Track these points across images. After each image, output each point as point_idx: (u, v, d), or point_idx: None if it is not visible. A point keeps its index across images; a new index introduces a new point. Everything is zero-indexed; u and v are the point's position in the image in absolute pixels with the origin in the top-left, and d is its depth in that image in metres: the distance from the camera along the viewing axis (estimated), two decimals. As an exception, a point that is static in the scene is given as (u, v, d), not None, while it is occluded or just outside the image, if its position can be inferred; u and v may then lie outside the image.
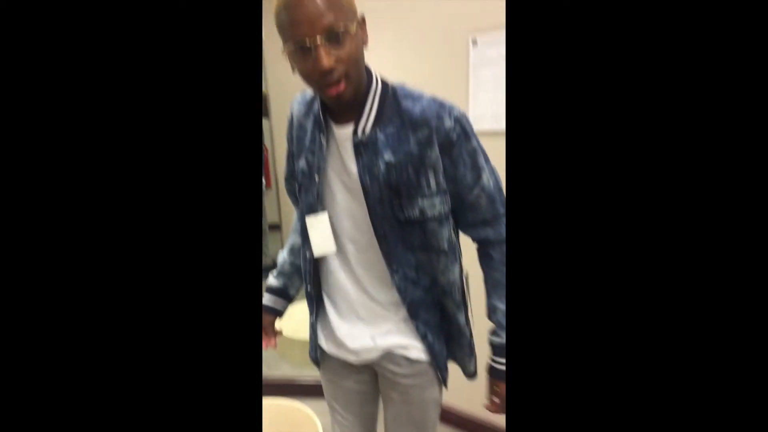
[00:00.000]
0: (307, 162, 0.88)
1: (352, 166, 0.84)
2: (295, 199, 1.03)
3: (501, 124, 1.52)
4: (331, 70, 0.72)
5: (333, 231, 0.88)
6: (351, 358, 0.96)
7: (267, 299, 1.09)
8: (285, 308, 1.10)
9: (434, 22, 1.63)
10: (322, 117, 0.85)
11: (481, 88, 1.54)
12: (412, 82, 0.91)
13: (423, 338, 0.91)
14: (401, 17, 1.70)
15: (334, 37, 0.71)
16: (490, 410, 0.91)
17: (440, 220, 0.85)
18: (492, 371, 0.90)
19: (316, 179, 0.87)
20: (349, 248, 0.90)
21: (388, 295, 0.90)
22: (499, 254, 0.88)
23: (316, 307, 0.99)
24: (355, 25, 0.74)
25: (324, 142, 0.85)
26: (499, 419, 1.84)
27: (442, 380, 0.96)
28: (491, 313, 0.90)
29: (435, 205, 0.84)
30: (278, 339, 1.15)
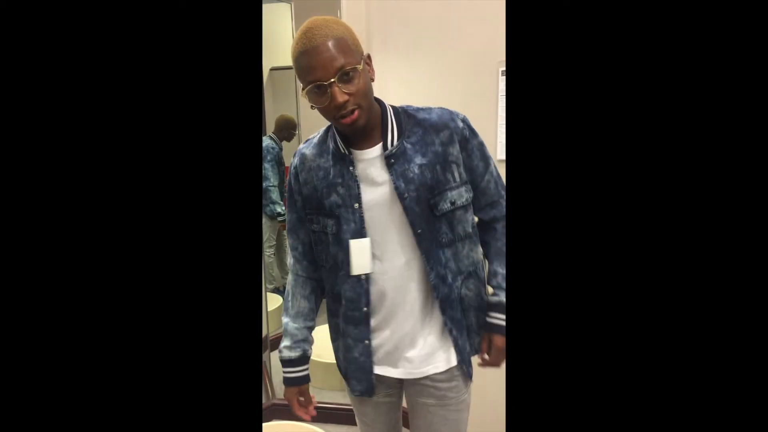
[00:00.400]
0: (340, 195, 0.97)
1: (384, 180, 0.95)
2: (303, 254, 1.08)
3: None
4: (345, 103, 0.86)
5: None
6: (386, 373, 1.04)
7: (292, 373, 1.09)
8: (308, 373, 1.11)
9: (464, 52, 1.67)
10: (344, 147, 0.96)
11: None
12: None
13: (450, 333, 1.01)
14: (431, 46, 1.74)
15: (345, 77, 0.85)
16: (484, 364, 1.05)
17: (466, 207, 1.00)
18: (488, 326, 1.04)
19: (356, 207, 0.96)
20: (379, 267, 0.99)
21: (412, 299, 1.00)
22: (501, 228, 1.05)
23: (370, 326, 1.02)
24: (362, 63, 0.88)
25: (352, 169, 0.95)
26: None
27: (469, 375, 1.04)
28: (492, 277, 1.06)
29: (462, 194, 0.98)
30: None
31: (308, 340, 1.10)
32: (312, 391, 2.17)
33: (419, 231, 0.95)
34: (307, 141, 1.05)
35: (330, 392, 2.17)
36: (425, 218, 0.95)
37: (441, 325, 1.01)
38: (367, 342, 1.02)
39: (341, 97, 0.84)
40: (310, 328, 1.10)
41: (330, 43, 0.83)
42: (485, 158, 1.01)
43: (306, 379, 1.10)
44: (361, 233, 0.96)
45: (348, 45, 0.85)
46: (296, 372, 1.08)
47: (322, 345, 2.24)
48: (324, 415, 2.08)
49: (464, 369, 1.02)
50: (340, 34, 0.84)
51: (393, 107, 0.99)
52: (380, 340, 1.02)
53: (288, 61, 0.90)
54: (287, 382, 1.09)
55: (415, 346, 1.00)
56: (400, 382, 1.08)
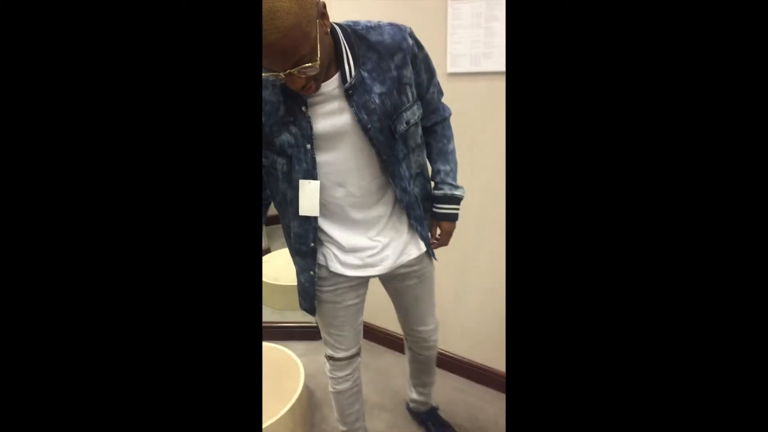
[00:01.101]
0: (292, 134, 0.94)
1: (344, 110, 0.93)
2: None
3: (479, 66, 1.47)
4: (302, 87, 0.83)
5: (325, 190, 1.01)
6: (371, 273, 1.12)
7: None
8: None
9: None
10: None
11: (458, 25, 1.47)
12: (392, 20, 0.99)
13: (415, 229, 1.13)
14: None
15: (301, 65, 0.79)
16: (436, 246, 1.22)
17: (417, 123, 1.03)
18: (437, 216, 1.18)
19: (308, 147, 0.94)
20: (343, 192, 1.02)
21: (380, 209, 1.07)
22: (441, 129, 1.14)
23: (316, 259, 1.09)
24: (316, 34, 0.79)
25: (305, 109, 0.91)
26: (497, 365, 1.85)
27: (432, 255, 1.21)
28: (435, 174, 1.16)
29: (415, 113, 1.01)
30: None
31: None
32: (272, 313, 2.29)
33: (384, 157, 0.98)
34: None
35: (291, 312, 2.25)
36: (387, 143, 0.97)
37: (407, 226, 1.12)
38: (312, 273, 1.10)
39: (298, 83, 0.82)
40: None
41: (282, 41, 0.74)
42: (430, 70, 1.03)
43: None
44: (311, 174, 0.96)
45: (301, 33, 0.75)
46: None
47: (280, 269, 2.38)
48: (286, 333, 2.16)
49: (429, 252, 1.18)
50: (290, 22, 0.73)
51: (343, 31, 0.92)
52: (356, 249, 1.09)
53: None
54: None
55: (391, 247, 1.10)
56: (365, 286, 1.19)
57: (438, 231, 1.21)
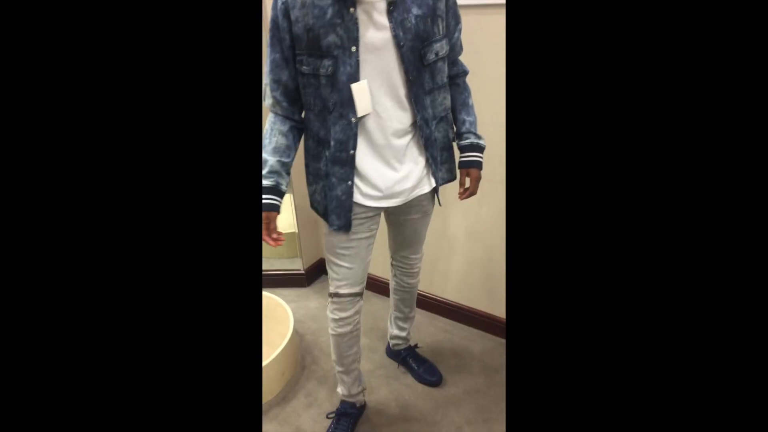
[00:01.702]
0: (339, 36, 0.97)
1: (384, 26, 0.98)
2: (284, 95, 1.08)
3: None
4: None
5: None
6: (388, 204, 1.16)
7: (264, 198, 1.12)
8: (281, 204, 1.13)
9: None
10: None
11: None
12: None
13: (430, 167, 1.18)
14: None
15: None
16: (465, 194, 1.26)
17: (444, 59, 1.10)
18: (465, 164, 1.23)
19: (353, 49, 0.98)
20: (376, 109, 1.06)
21: (401, 140, 1.11)
22: (463, 83, 1.21)
23: (354, 167, 1.10)
24: None
25: (353, 11, 0.96)
26: (482, 307, 1.89)
27: (437, 194, 1.26)
28: (461, 124, 1.22)
29: (443, 47, 1.08)
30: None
31: (281, 174, 1.11)
32: (263, 261, 2.30)
33: (410, 78, 1.03)
34: None
35: (278, 260, 2.26)
36: (416, 66, 1.03)
37: (424, 160, 1.17)
38: (350, 183, 1.10)
39: None
40: (285, 164, 1.11)
41: None
42: (457, 16, 1.10)
43: (272, 207, 1.10)
44: (355, 77, 1.00)
45: None
46: (265, 199, 1.10)
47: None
48: (274, 281, 2.18)
49: (435, 191, 1.24)
50: None
51: None
52: (371, 179, 1.11)
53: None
54: (263, 206, 1.11)
55: (409, 179, 1.15)
56: (377, 221, 1.22)
57: (467, 180, 1.25)
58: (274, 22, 1.00)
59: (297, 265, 2.18)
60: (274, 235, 1.12)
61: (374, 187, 1.13)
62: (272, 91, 1.08)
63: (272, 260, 2.25)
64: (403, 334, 1.66)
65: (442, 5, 1.03)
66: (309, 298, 2.12)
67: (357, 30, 0.97)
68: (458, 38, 1.14)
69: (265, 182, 1.10)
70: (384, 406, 1.57)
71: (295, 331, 1.81)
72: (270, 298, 1.87)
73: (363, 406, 1.53)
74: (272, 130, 1.11)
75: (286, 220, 2.28)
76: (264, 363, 1.55)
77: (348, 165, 1.09)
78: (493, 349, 1.78)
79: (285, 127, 1.10)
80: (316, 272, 2.25)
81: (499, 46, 1.44)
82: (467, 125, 1.22)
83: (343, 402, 1.48)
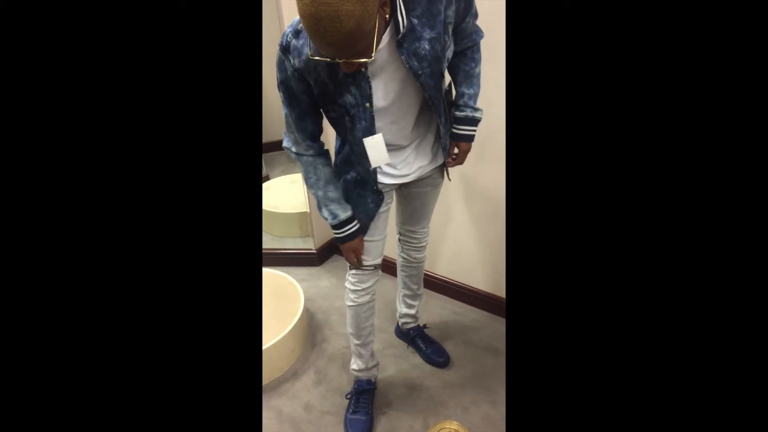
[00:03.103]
0: (352, 95, 0.98)
1: (395, 60, 0.96)
2: (313, 139, 1.12)
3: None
4: (353, 71, 0.90)
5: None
6: (404, 180, 1.22)
7: (345, 231, 1.19)
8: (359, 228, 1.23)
9: None
10: None
11: None
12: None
13: (440, 144, 1.22)
14: None
15: (358, 58, 0.82)
16: (450, 165, 1.27)
17: (450, 55, 1.06)
18: (455, 136, 1.22)
19: (367, 105, 0.99)
20: (396, 127, 1.10)
21: (419, 130, 1.16)
22: (471, 52, 1.15)
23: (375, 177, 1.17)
24: (375, 27, 0.80)
25: (364, 70, 0.94)
26: (492, 289, 1.90)
27: (445, 167, 1.30)
28: (459, 97, 1.19)
29: (451, 47, 1.05)
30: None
31: (342, 203, 1.18)
32: (272, 240, 2.33)
33: (435, 101, 1.04)
34: (294, 31, 0.95)
35: (290, 239, 2.28)
36: (436, 86, 1.02)
37: (438, 144, 1.22)
38: (371, 204, 1.20)
39: (351, 68, 0.86)
40: (339, 189, 1.18)
41: (342, 42, 0.75)
42: (469, 1, 1.02)
43: (356, 234, 1.21)
44: (370, 131, 1.03)
45: (361, 33, 0.76)
46: (349, 229, 1.19)
47: (279, 197, 2.39)
48: (285, 259, 2.20)
49: (444, 165, 1.28)
50: (353, 25, 0.74)
51: None
52: (400, 167, 1.19)
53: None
54: (341, 240, 1.21)
55: (426, 160, 1.22)
56: (392, 196, 1.28)
57: (455, 150, 1.26)
58: (285, 84, 1.00)
59: (309, 245, 2.20)
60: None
61: (392, 166, 1.18)
62: (302, 140, 1.10)
63: (284, 239, 2.27)
64: (412, 311, 1.67)
65: (450, 11, 0.96)
66: (320, 278, 2.14)
67: (369, 88, 0.97)
68: (469, 21, 1.06)
69: (344, 214, 1.17)
70: (392, 385, 1.59)
71: (306, 310, 1.83)
72: (281, 277, 1.89)
73: (376, 383, 1.56)
74: (314, 167, 1.14)
75: (297, 199, 2.30)
76: (275, 340, 1.58)
77: (369, 185, 1.17)
78: (501, 331, 1.79)
79: (325, 160, 1.15)
80: (328, 252, 2.26)
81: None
82: (465, 98, 1.18)
83: (358, 380, 1.50)
